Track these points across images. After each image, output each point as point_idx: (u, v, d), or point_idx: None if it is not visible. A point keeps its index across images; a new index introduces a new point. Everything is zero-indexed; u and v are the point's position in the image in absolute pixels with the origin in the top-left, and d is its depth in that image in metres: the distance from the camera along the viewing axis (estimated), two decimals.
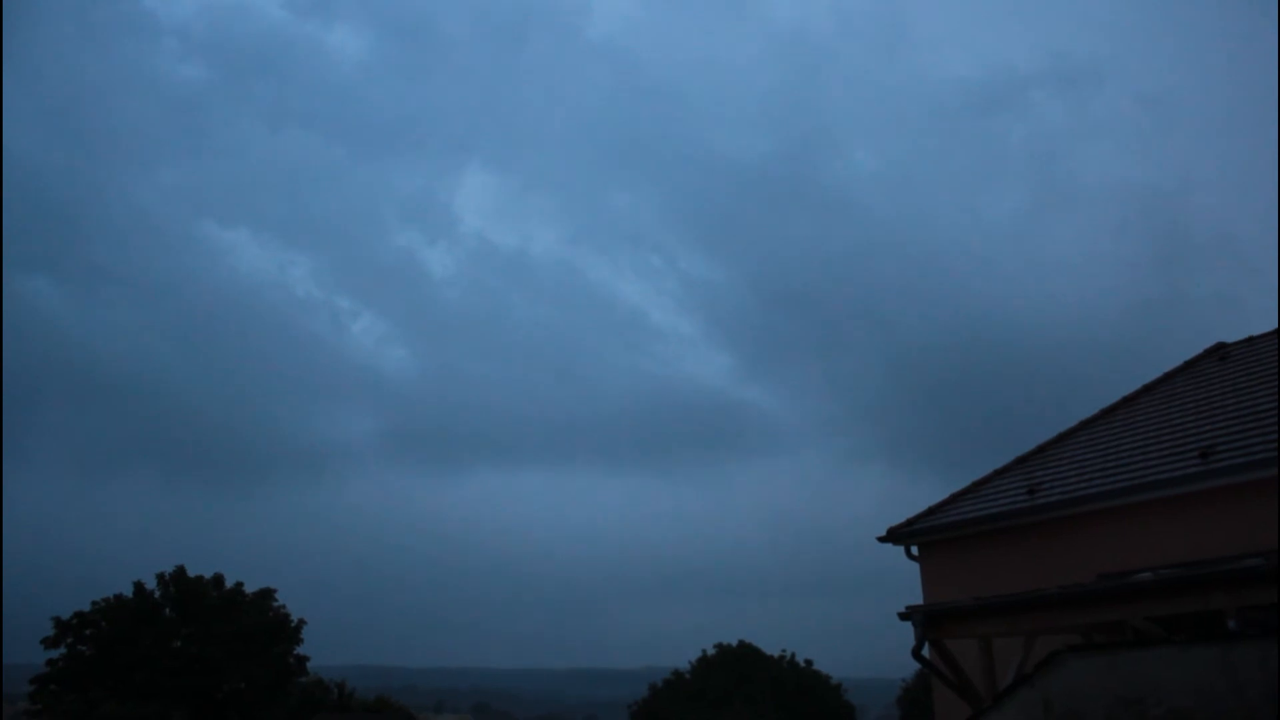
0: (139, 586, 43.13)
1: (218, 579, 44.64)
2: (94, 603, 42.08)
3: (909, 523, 18.65)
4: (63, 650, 40.92)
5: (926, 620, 12.08)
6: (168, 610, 43.22)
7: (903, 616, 12.39)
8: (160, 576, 43.77)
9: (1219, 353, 20.55)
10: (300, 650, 45.09)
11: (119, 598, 42.50)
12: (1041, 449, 19.48)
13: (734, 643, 61.57)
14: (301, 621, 45.21)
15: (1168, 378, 20.36)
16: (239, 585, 44.81)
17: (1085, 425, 19.70)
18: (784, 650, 61.85)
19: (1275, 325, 20.35)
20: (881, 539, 18.84)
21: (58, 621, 41.14)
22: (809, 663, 61.44)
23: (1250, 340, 20.46)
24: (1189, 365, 20.59)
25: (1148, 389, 20.16)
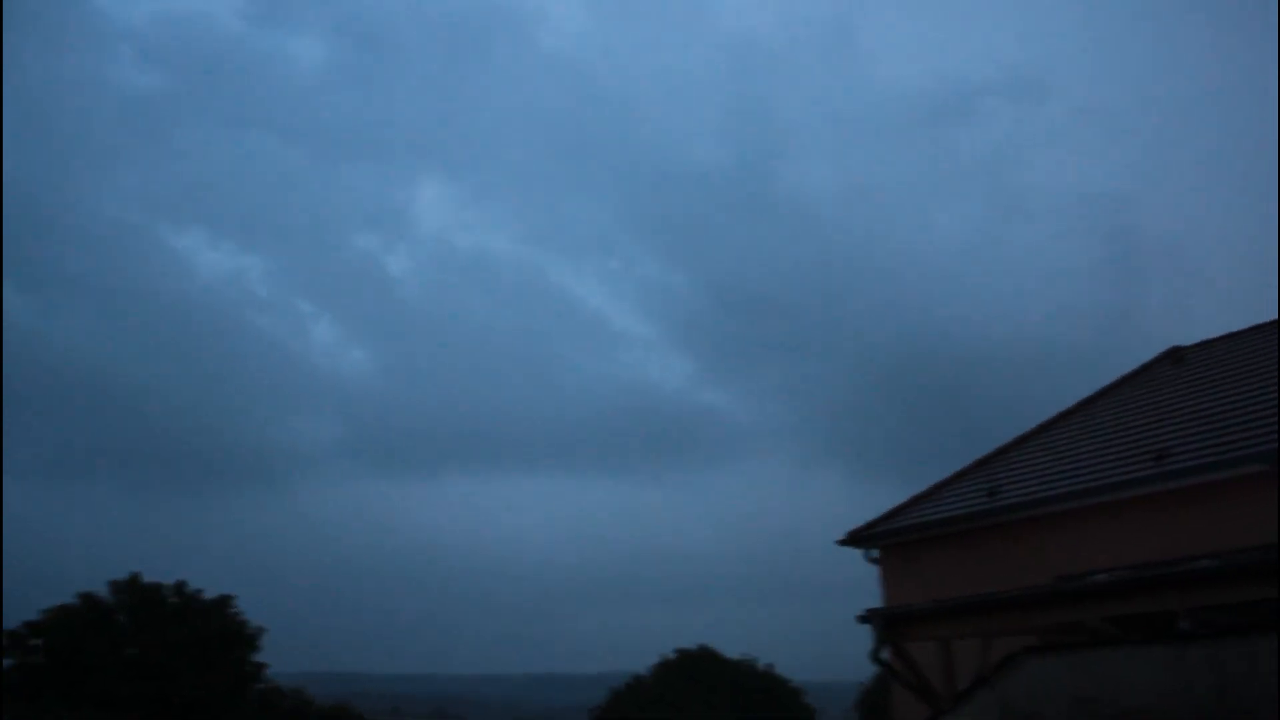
0: (86, 596, 42.50)
1: (178, 585, 44.09)
2: (43, 611, 41.42)
3: (868, 526, 18.72)
4: (12, 661, 40.26)
5: (885, 623, 12.12)
6: (122, 618, 42.61)
7: (862, 620, 12.42)
8: (115, 583, 43.16)
9: (1174, 357, 20.81)
10: (258, 657, 44.62)
11: (68, 606, 41.86)
12: (1000, 452, 19.61)
13: (694, 647, 61.57)
14: (259, 628, 44.74)
15: (1124, 382, 20.59)
16: (196, 592, 44.28)
17: (1043, 429, 19.86)
18: (744, 654, 61.93)
19: (1226, 331, 20.62)
20: (841, 542, 18.89)
21: (7, 634, 40.44)
22: (769, 667, 61.55)
23: (1204, 344, 20.73)
24: (1144, 369, 20.83)
25: (1104, 393, 20.37)
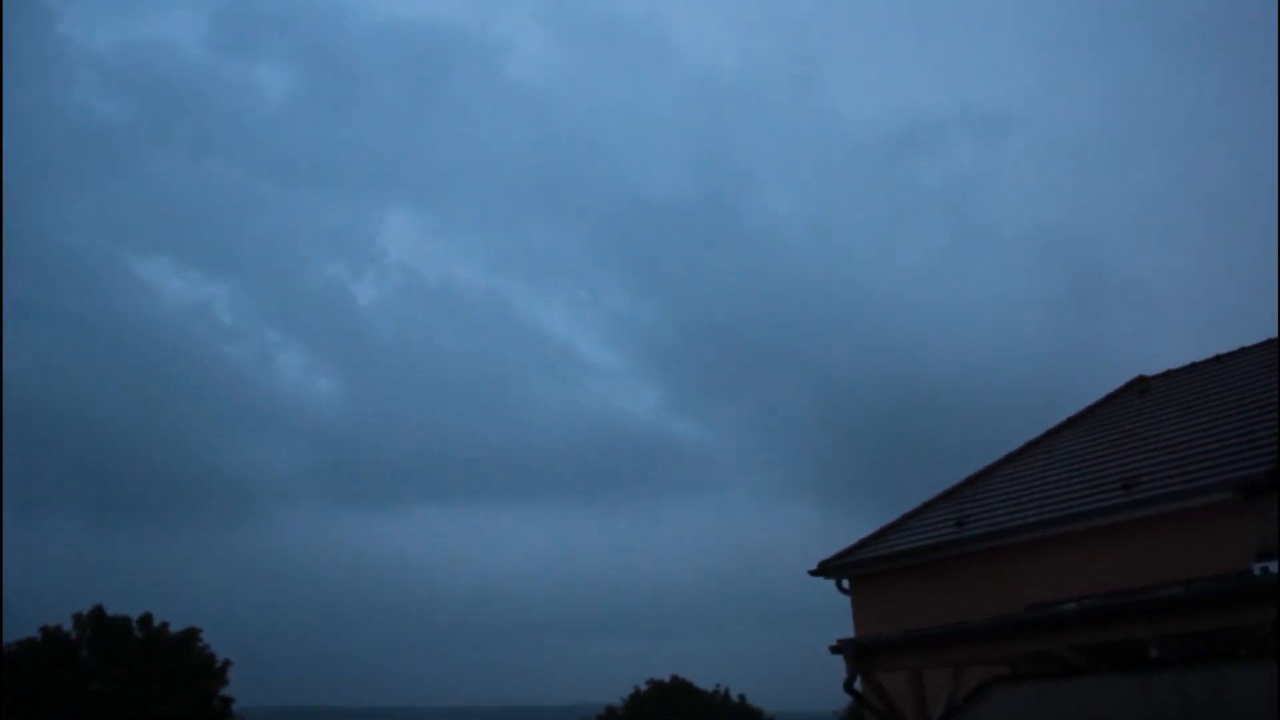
0: (49, 631, 41.88)
1: (145, 619, 43.53)
2: (4, 646, 40.77)
3: (839, 556, 18.75)
4: None
5: (857, 653, 12.13)
6: (86, 652, 41.99)
7: (834, 650, 12.42)
8: (78, 617, 42.57)
9: (1139, 386, 21.01)
10: (226, 691, 44.05)
11: (29, 642, 41.23)
12: (969, 482, 19.71)
13: (666, 678, 61.32)
14: (227, 662, 44.20)
15: (1090, 411, 20.76)
16: (162, 625, 43.73)
17: (1011, 458, 19.98)
18: (717, 685, 61.73)
19: (1188, 361, 20.85)
20: (813, 573, 18.90)
21: None
22: (742, 698, 61.36)
23: (1170, 373, 20.95)
24: (1110, 399, 21.02)
25: (1071, 422, 20.52)
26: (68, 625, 42.37)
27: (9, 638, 41.33)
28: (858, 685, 12.59)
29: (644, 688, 61.04)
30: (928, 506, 19.39)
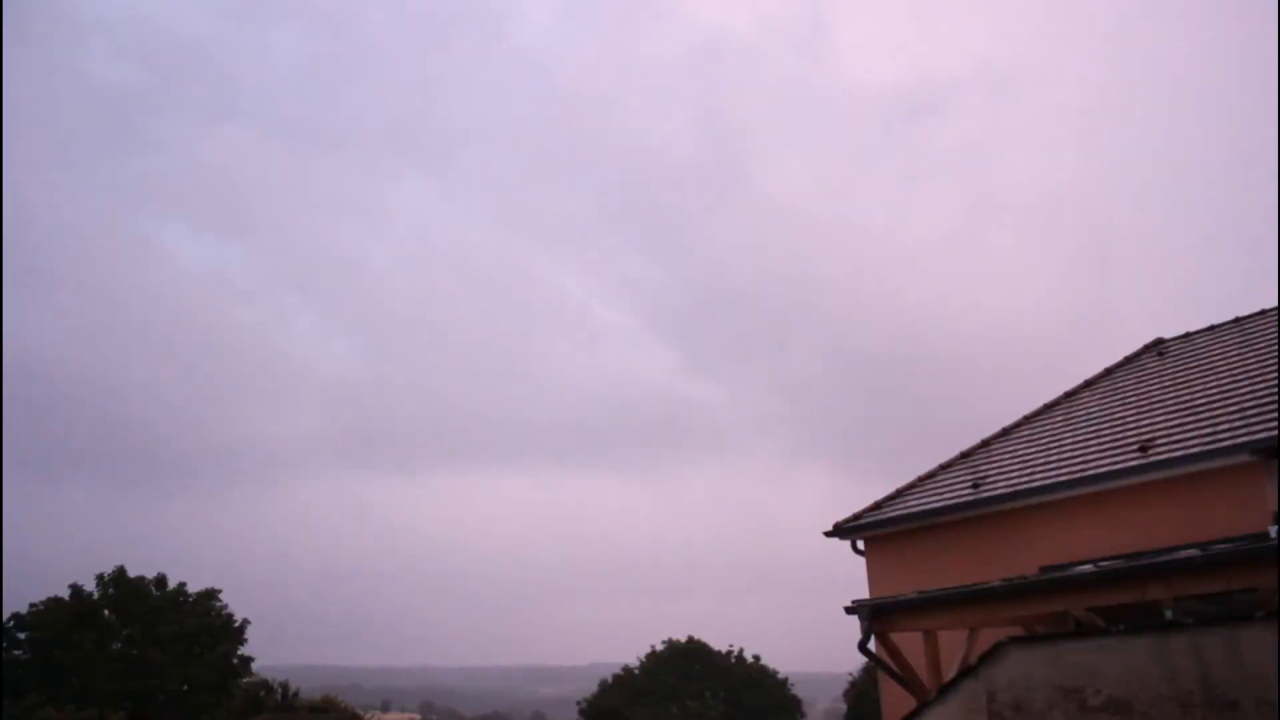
0: (76, 589, 42.38)
1: (160, 580, 43.98)
2: (31, 605, 41.31)
3: (854, 517, 18.77)
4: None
5: (872, 614, 12.18)
6: (107, 612, 42.51)
7: (849, 611, 12.48)
8: (100, 578, 43.06)
9: (1157, 348, 20.90)
10: (244, 650, 44.61)
11: (56, 600, 41.75)
12: (985, 444, 19.68)
13: (682, 639, 61.78)
14: (245, 622, 44.73)
15: (1108, 373, 20.67)
16: (181, 586, 44.21)
17: (1028, 420, 19.94)
18: (732, 646, 62.16)
19: (1207, 324, 20.73)
20: (828, 534, 18.93)
21: None
22: (757, 658, 61.83)
23: (1188, 335, 20.83)
24: (1127, 361, 20.91)
25: (1088, 384, 20.45)
26: (90, 586, 42.89)
27: (35, 597, 41.88)
28: (872, 646, 12.67)
29: (660, 648, 61.53)
30: (943, 468, 19.39)
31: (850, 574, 18.93)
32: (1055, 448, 17.74)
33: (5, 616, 40.63)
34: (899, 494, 19.06)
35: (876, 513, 18.69)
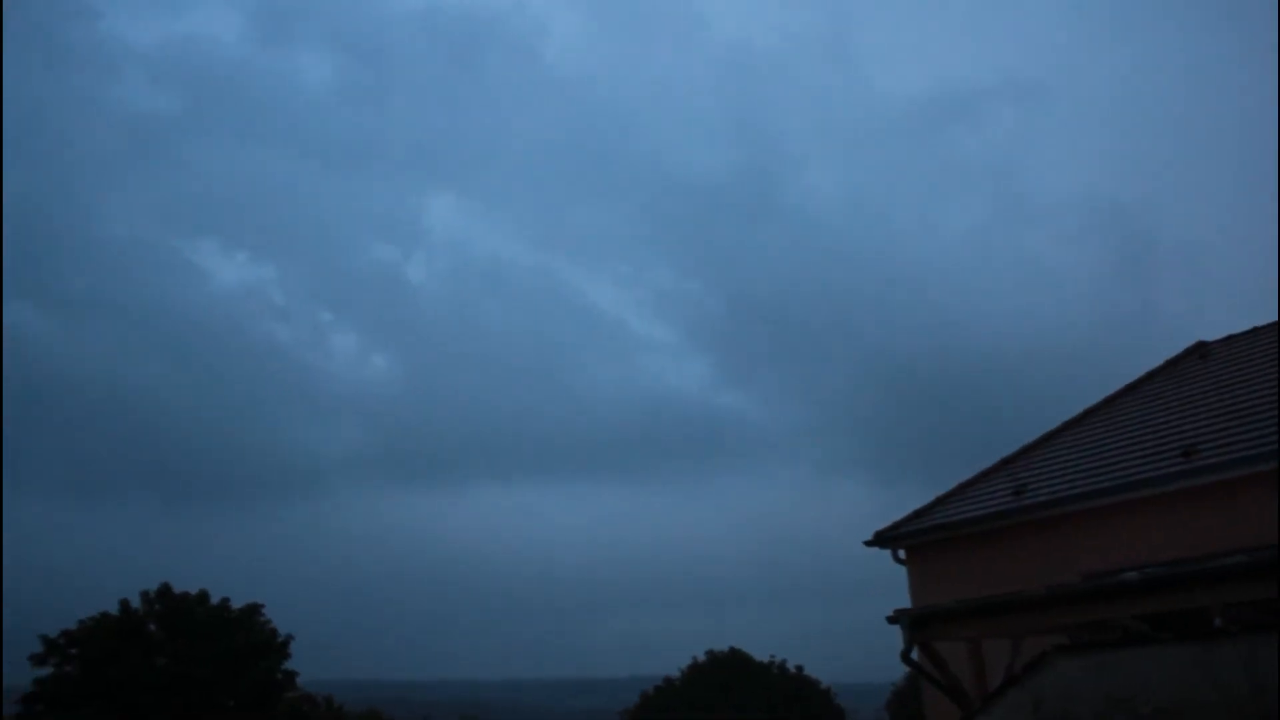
0: (124, 604, 42.83)
1: (202, 596, 44.36)
2: (80, 621, 41.77)
3: (895, 526, 18.69)
4: (49, 670, 40.61)
5: (914, 623, 12.11)
6: (153, 628, 42.91)
7: (891, 620, 12.42)
8: (145, 594, 43.48)
9: (1200, 351, 20.68)
10: (289, 665, 44.84)
11: (104, 616, 42.19)
12: (1026, 450, 19.54)
13: (724, 650, 61.55)
14: (289, 637, 44.98)
15: (1149, 377, 20.47)
16: (224, 602, 44.55)
17: (1069, 426, 19.78)
18: (774, 656, 61.88)
19: (1250, 326, 20.48)
20: (868, 543, 18.86)
21: (45, 640, 40.84)
22: (799, 669, 61.49)
23: (1230, 339, 20.60)
24: (1169, 365, 20.71)
25: (1130, 388, 20.26)
26: (136, 603, 43.32)
27: (83, 613, 42.34)
28: (915, 655, 12.60)
29: (701, 659, 61.35)
30: (984, 476, 19.27)
31: (891, 583, 18.85)
32: (1097, 453, 17.59)
33: (56, 632, 41.10)
34: (939, 502, 18.96)
35: (917, 521, 18.60)
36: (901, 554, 18.63)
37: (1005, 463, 19.41)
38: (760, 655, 61.60)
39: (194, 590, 44.48)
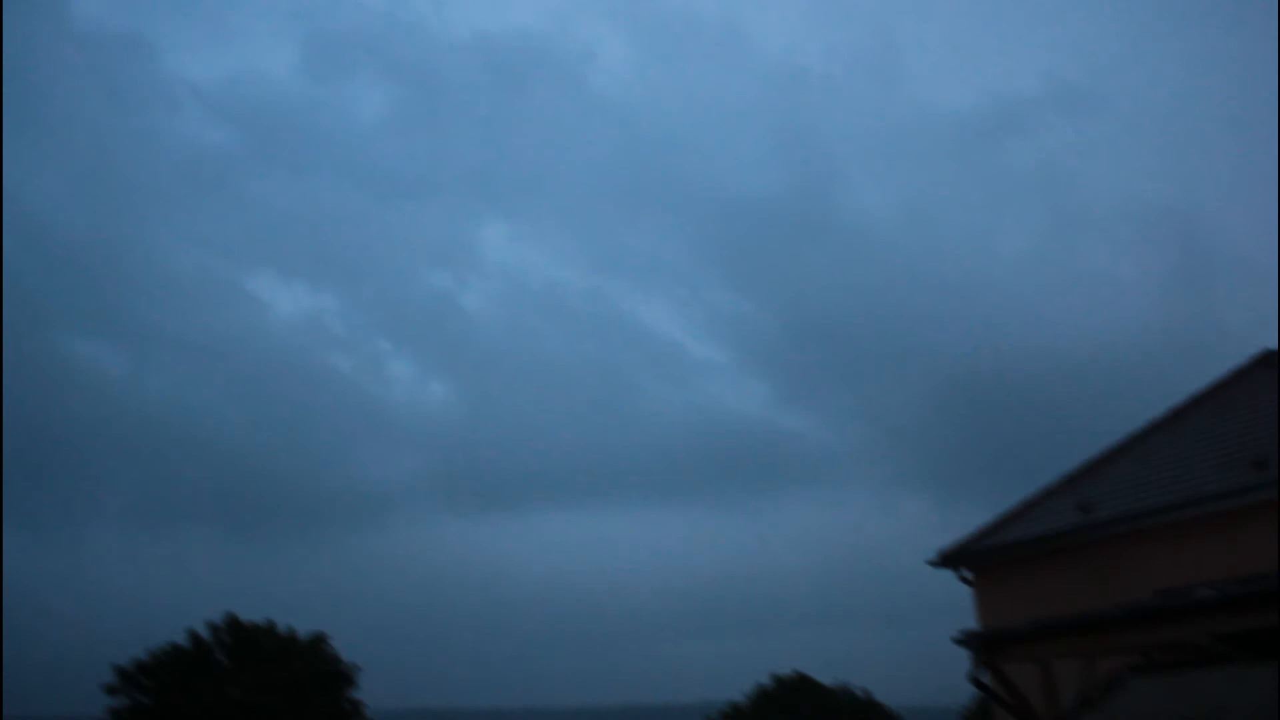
0: (194, 635, 43.39)
1: (269, 625, 44.81)
2: (151, 651, 42.38)
3: (959, 545, 18.44)
4: (123, 700, 41.23)
5: (982, 645, 11.91)
6: (222, 658, 43.41)
7: (958, 642, 12.22)
8: (213, 624, 44.02)
9: (1268, 361, 20.22)
10: (355, 694, 45.14)
11: (175, 646, 42.77)
12: (1091, 465, 19.21)
13: (790, 674, 61.09)
14: (355, 666, 45.29)
15: (1216, 388, 20.04)
16: (291, 631, 44.98)
17: (1134, 439, 19.42)
18: (840, 680, 61.30)
19: None
20: (933, 563, 18.63)
21: (118, 670, 41.49)
22: (866, 692, 60.85)
23: None
24: (1236, 375, 20.26)
25: (1196, 400, 19.85)
26: (205, 634, 43.87)
27: (151, 643, 42.94)
28: (984, 677, 12.38)
29: (768, 684, 60.91)
30: (1049, 492, 18.96)
31: (958, 603, 18.59)
32: (1165, 467, 17.25)
33: (129, 661, 41.73)
34: (1003, 520, 18.69)
35: (981, 540, 18.34)
36: (967, 574, 18.37)
37: (1070, 478, 19.09)
38: (826, 679, 61.07)
39: (261, 620, 45.00)
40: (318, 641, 45.01)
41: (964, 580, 18.40)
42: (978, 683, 12.50)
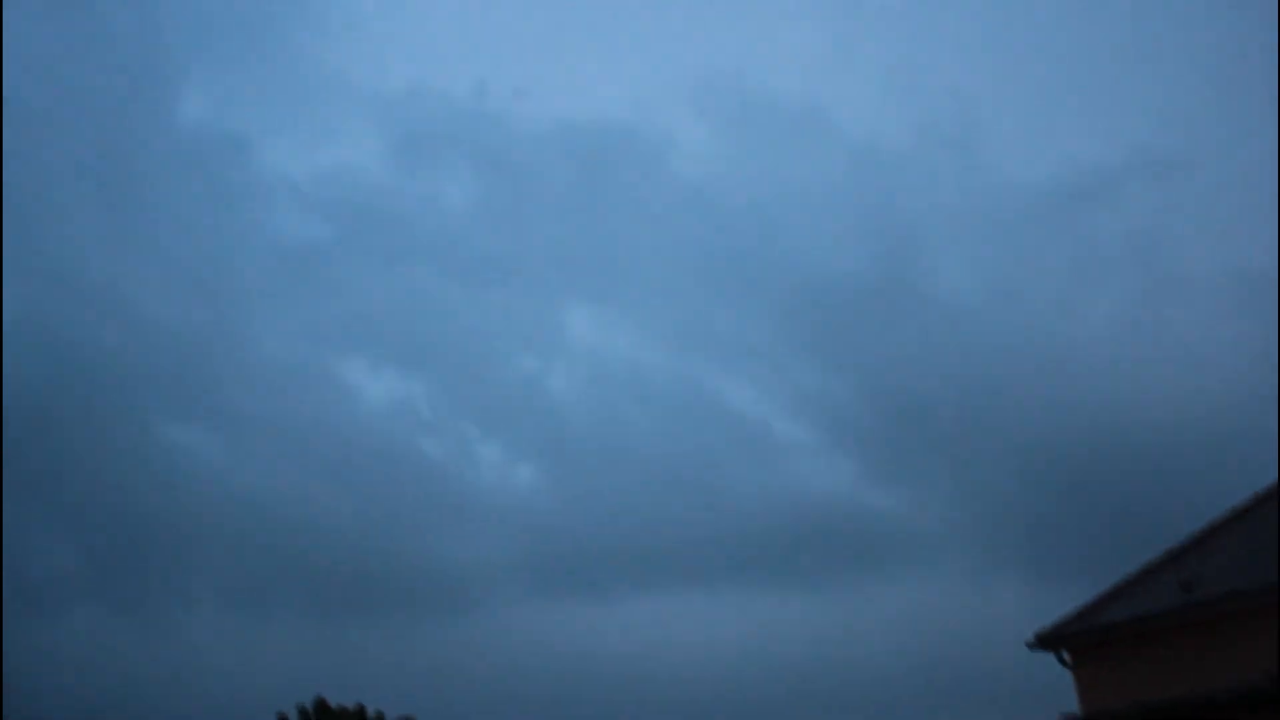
0: (283, 718, 43.67)
1: (359, 710, 44.94)
2: None
3: (1057, 627, 17.93)
4: None
5: None
6: None
7: None
8: (300, 708, 44.27)
9: None
10: None
11: None
12: (1193, 541, 18.62)
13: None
14: None
15: None
16: (380, 715, 45.05)
17: (1238, 514, 18.79)
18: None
19: None
20: (1031, 645, 18.13)
21: None
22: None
23: None
24: None
25: None
26: (294, 717, 44.13)
27: None
28: None
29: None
30: (1150, 570, 18.38)
31: (1058, 687, 18.00)
32: (1272, 542, 16.64)
33: None
34: (1103, 600, 18.15)
35: (1081, 621, 17.82)
36: (1067, 656, 17.83)
37: (1172, 555, 18.50)
38: None
39: (350, 704, 45.14)
40: None
41: (1063, 663, 17.87)
42: None
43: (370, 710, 45.10)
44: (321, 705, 44.40)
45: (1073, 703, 17.29)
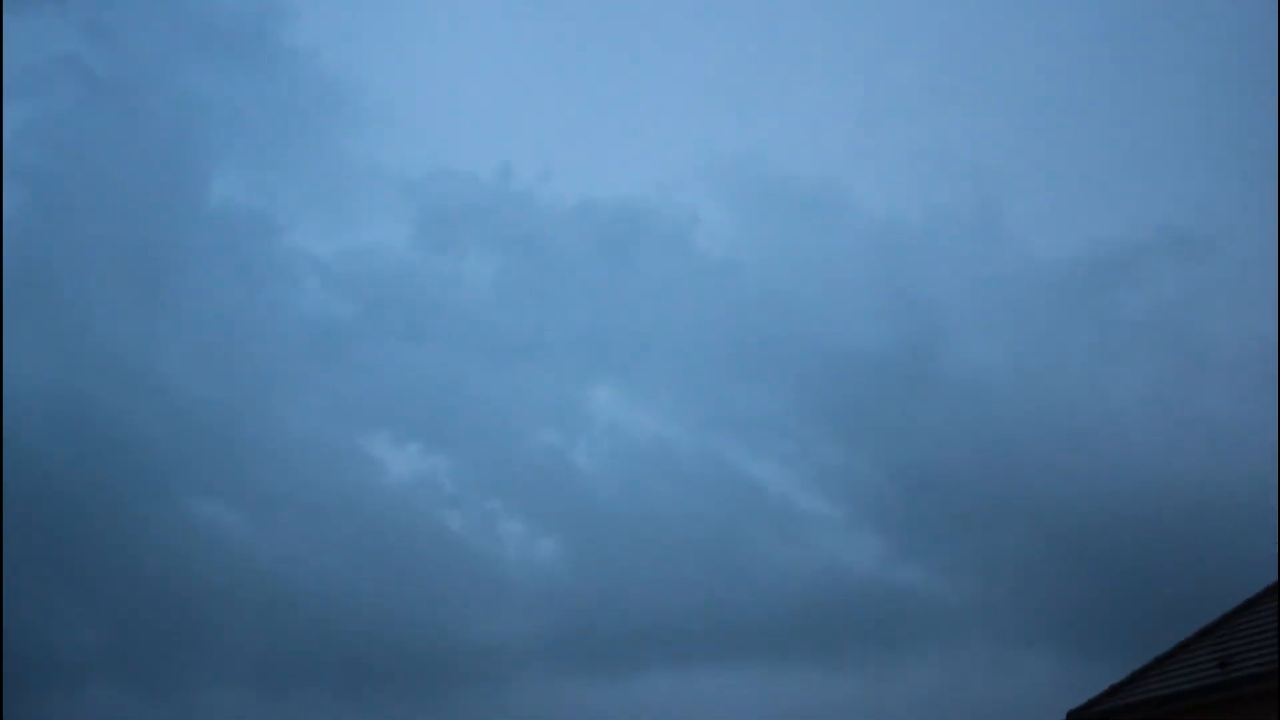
0: None
1: None
2: None
3: (1089, 705, 17.61)
4: None
5: None
6: None
7: None
8: None
9: None
10: None
11: None
12: (1229, 617, 18.30)
13: None
14: None
15: None
16: None
17: (1274, 589, 18.49)
18: None
19: None
20: None
21: None
22: None
23: None
24: None
25: None
26: None
27: None
28: None
29: None
30: (1183, 647, 18.04)
31: None
32: None
33: None
34: (1135, 678, 17.81)
35: (1112, 699, 17.47)
36: None
37: (1207, 631, 18.17)
38: None
39: None
40: None
41: None
42: None
43: None
44: None
45: None
